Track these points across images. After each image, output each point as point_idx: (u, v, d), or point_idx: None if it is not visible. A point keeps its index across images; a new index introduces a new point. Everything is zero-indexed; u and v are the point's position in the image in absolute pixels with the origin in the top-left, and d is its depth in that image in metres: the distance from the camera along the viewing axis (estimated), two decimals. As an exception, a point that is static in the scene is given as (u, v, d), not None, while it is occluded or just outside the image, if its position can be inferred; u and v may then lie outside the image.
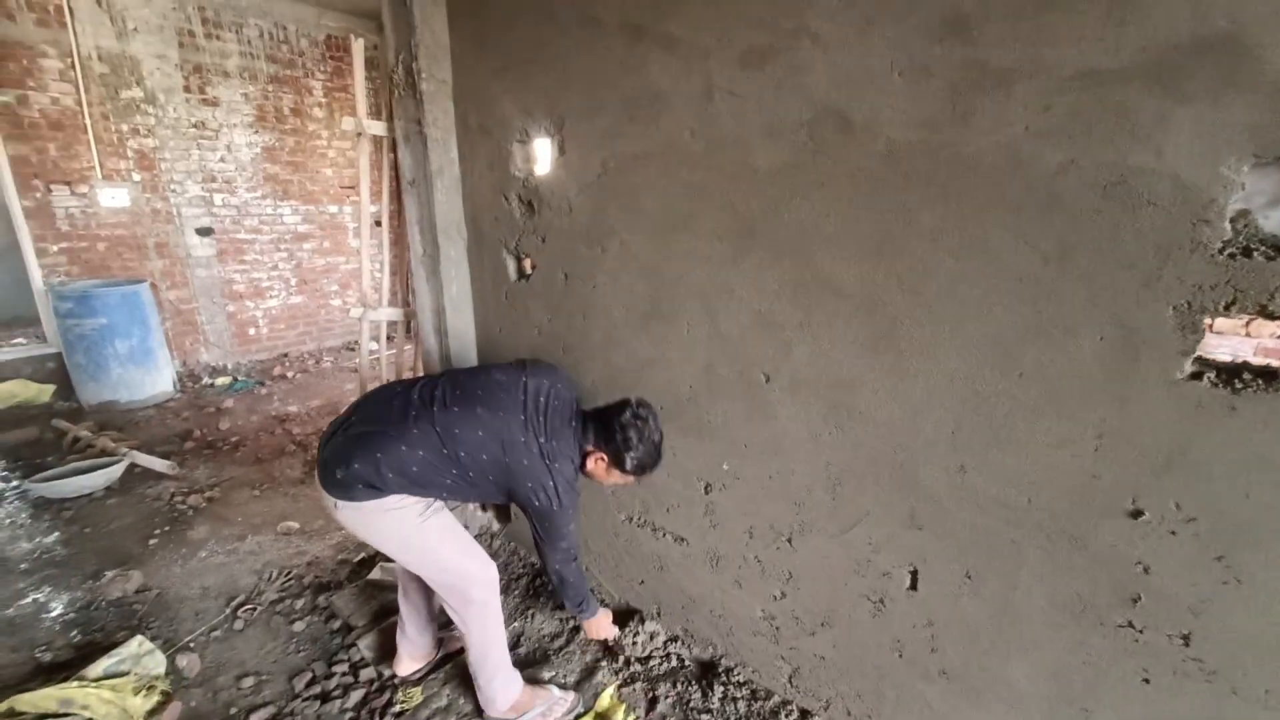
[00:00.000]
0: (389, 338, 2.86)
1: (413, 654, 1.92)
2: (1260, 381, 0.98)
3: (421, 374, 2.49)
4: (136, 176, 4.70)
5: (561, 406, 1.61)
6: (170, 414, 4.38)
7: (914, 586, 1.44)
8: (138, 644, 2.00)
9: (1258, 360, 1.07)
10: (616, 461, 1.58)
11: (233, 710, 1.83)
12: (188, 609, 2.29)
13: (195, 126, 4.93)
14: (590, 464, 1.62)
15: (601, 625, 1.93)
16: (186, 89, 4.83)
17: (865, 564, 1.51)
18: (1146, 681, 1.18)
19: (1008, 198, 1.13)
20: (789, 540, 1.64)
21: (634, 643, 2.00)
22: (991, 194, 1.15)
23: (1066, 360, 1.14)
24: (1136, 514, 1.12)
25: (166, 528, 2.85)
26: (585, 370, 2.02)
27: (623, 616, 2.12)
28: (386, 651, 1.98)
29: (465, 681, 1.89)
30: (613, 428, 1.56)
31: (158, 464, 3.40)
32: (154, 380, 4.56)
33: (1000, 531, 1.29)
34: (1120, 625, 1.18)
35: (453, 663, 1.96)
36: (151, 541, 2.73)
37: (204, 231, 5.15)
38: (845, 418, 1.45)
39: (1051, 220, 1.10)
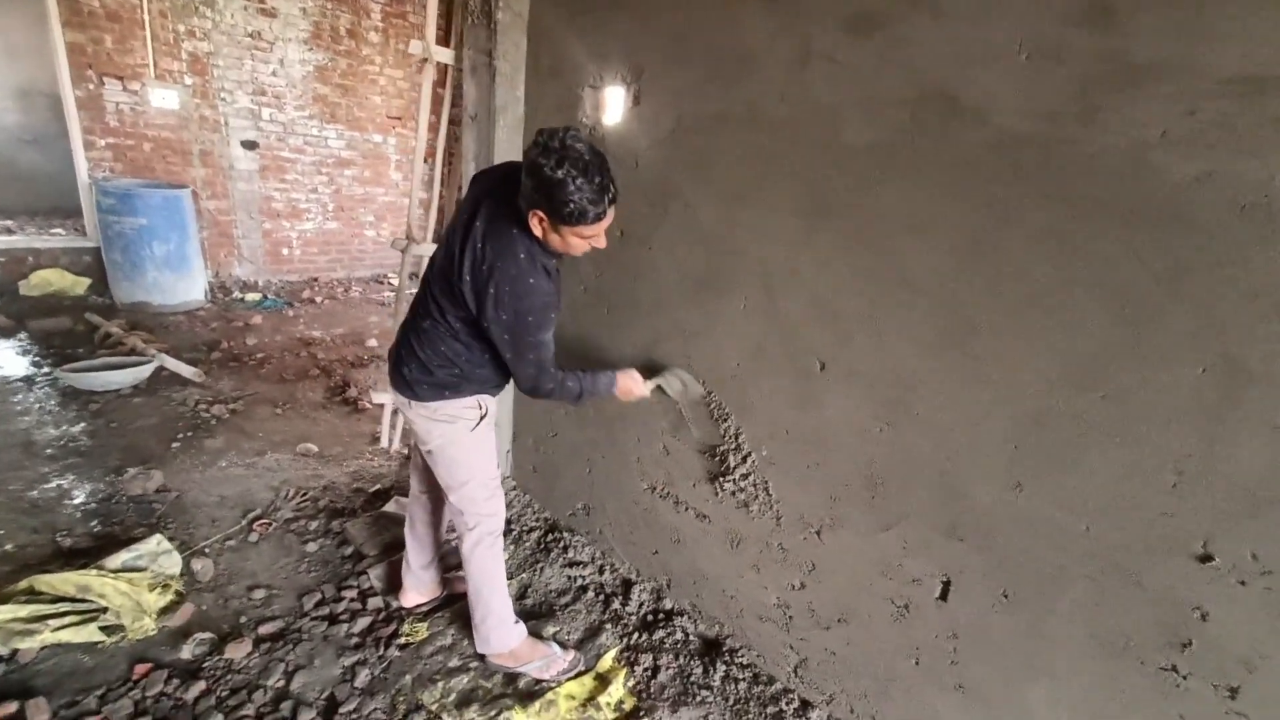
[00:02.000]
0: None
1: (417, 587, 1.94)
2: (1378, 439, 0.91)
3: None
4: (188, 80, 4.66)
5: (502, 199, 1.38)
6: (199, 323, 4.42)
7: (944, 597, 1.40)
8: (156, 542, 2.04)
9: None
10: (553, 213, 1.27)
11: (243, 619, 1.86)
12: (204, 515, 2.32)
13: (250, 36, 4.85)
14: (537, 231, 1.34)
15: (629, 388, 1.68)
16: (246, -5, 4.74)
17: (896, 567, 1.47)
18: (1180, 728, 1.14)
19: (1127, 206, 1.05)
20: (818, 532, 1.60)
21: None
22: (1109, 200, 1.06)
23: (1158, 388, 1.06)
24: (1206, 558, 1.06)
25: (189, 433, 2.89)
26: (628, 333, 1.97)
27: (626, 585, 2.12)
28: (395, 584, 1.99)
29: (470, 624, 1.90)
30: (532, 176, 1.25)
31: (185, 370, 3.43)
32: (187, 287, 4.60)
33: (1048, 555, 1.23)
34: (1163, 668, 1.13)
35: (460, 603, 1.98)
36: (174, 445, 2.77)
37: (249, 145, 5.11)
38: (900, 417, 1.40)
39: (1172, 236, 1.02)
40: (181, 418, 3.03)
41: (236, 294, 5.11)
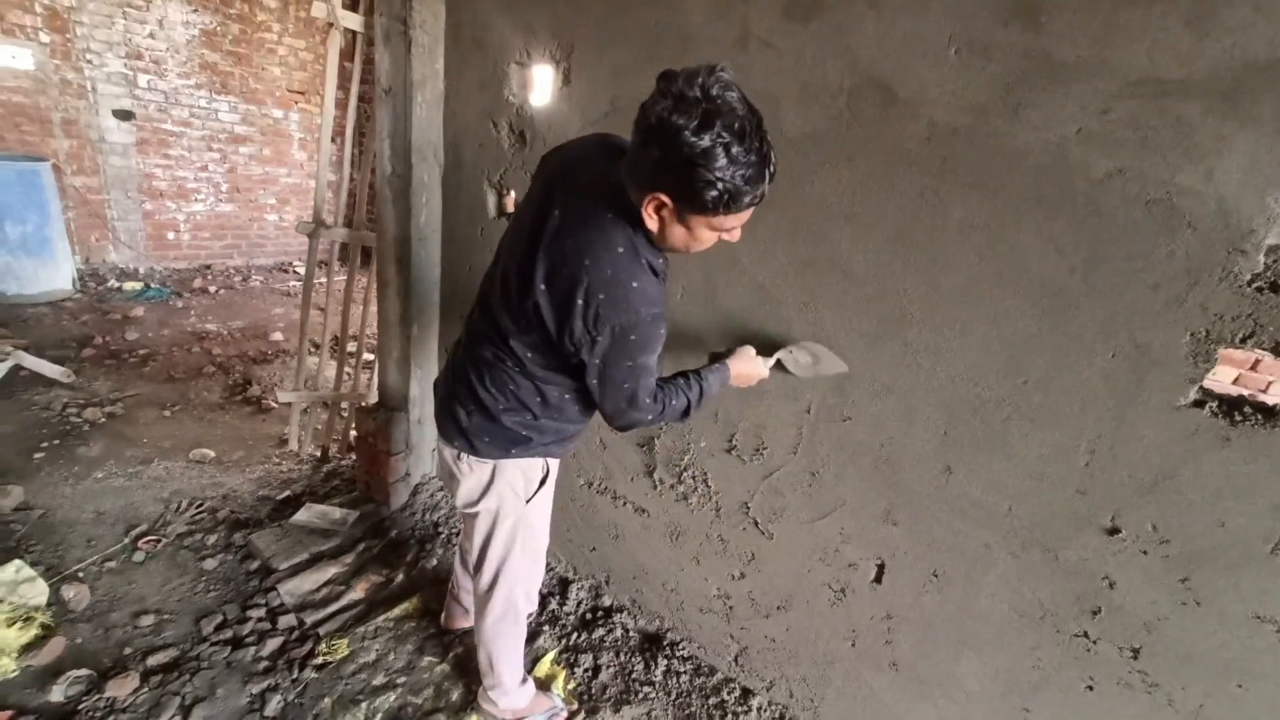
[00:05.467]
0: (335, 262, 2.61)
1: (465, 616, 1.78)
2: (1259, 416, 1.00)
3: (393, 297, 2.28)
4: (45, 37, 4.06)
5: (586, 181, 1.06)
6: (67, 315, 3.90)
7: (879, 579, 1.44)
8: (15, 569, 1.77)
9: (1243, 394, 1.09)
10: (688, 197, 0.89)
11: (128, 650, 1.65)
12: (78, 535, 2.04)
13: (122, -9, 4.30)
14: (652, 221, 0.96)
15: (748, 374, 1.34)
16: (114, -56, 4.19)
17: (833, 553, 1.49)
18: (1090, 688, 1.22)
19: (1047, 200, 1.09)
20: (756, 522, 1.61)
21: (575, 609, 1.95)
22: (1030, 194, 1.11)
23: (1074, 374, 1.13)
24: (1114, 531, 1.14)
25: (56, 441, 2.53)
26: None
27: (564, 584, 2.06)
28: (312, 599, 1.83)
29: (398, 636, 1.78)
30: (659, 143, 0.86)
31: (49, 369, 3.01)
32: (50, 275, 4.05)
33: (975, 534, 1.29)
34: (1076, 635, 1.21)
35: (383, 614, 1.85)
36: (37, 455, 2.42)
37: (123, 115, 4.54)
38: (836, 405, 1.41)
39: (1086, 229, 1.07)
40: (46, 424, 2.65)
41: (113, 282, 4.56)
